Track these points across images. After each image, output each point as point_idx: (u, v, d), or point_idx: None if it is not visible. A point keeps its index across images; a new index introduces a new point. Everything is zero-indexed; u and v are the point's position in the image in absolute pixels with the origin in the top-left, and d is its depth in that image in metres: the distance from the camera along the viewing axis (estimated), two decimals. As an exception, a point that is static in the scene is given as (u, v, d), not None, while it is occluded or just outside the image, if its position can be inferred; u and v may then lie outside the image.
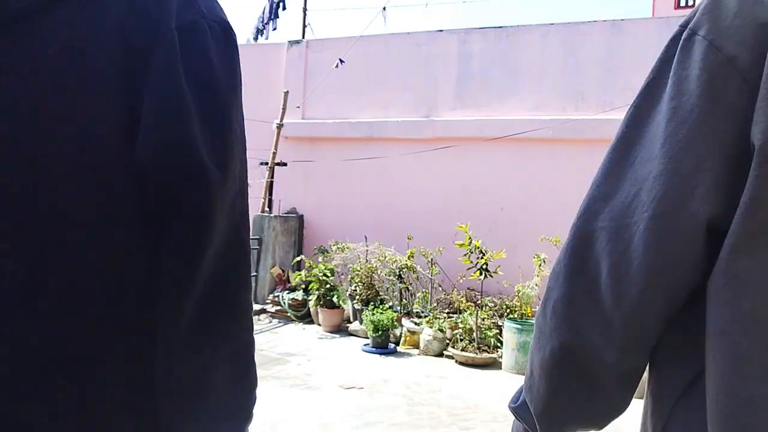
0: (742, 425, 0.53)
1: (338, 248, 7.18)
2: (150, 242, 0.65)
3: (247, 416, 0.72)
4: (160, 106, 0.63)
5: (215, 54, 0.68)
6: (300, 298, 7.08)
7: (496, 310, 6.10)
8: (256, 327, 7.18)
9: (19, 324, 0.58)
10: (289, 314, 7.08)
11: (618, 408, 0.70)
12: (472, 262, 5.69)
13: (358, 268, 6.74)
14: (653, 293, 0.59)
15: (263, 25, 11.07)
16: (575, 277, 0.65)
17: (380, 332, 5.83)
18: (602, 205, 0.64)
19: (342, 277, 7.11)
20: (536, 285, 5.84)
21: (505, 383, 4.73)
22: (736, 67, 0.57)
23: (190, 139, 0.64)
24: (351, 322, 6.72)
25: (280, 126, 7.98)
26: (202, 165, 0.64)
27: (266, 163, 8.05)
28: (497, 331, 5.77)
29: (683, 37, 0.62)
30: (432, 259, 6.68)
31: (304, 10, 10.87)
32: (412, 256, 6.72)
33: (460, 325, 5.79)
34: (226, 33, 0.71)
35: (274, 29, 11.05)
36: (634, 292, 0.59)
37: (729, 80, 0.57)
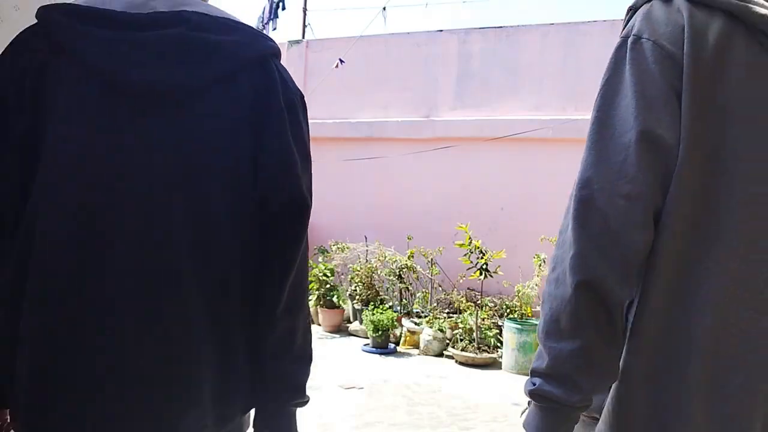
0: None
1: (338, 248, 7.19)
2: (261, 243, 1.00)
3: (311, 360, 1.10)
4: (279, 158, 1.00)
5: (302, 118, 1.06)
6: (300, 298, 7.08)
7: (496, 310, 6.10)
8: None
9: (193, 290, 0.94)
10: (289, 314, 7.09)
11: (622, 348, 0.84)
12: (472, 262, 5.69)
13: (358, 268, 6.74)
14: (645, 234, 0.79)
15: (263, 25, 11.05)
16: (583, 234, 0.81)
17: (380, 332, 5.83)
18: (594, 173, 0.82)
19: (342, 277, 7.11)
20: (536, 285, 5.84)
21: (506, 383, 4.72)
22: (675, 60, 0.81)
23: (297, 179, 1.00)
24: (351, 322, 6.73)
25: (280, 126, 7.99)
26: (303, 197, 1.01)
27: (266, 163, 8.06)
28: (497, 331, 5.77)
29: (630, 42, 0.85)
30: (432, 259, 6.68)
31: (304, 10, 10.87)
32: (412, 256, 6.72)
33: (460, 325, 5.79)
34: (303, 101, 1.08)
35: (274, 29, 11.03)
36: (633, 235, 0.79)
37: (674, 68, 0.81)
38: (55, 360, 0.89)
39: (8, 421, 1.00)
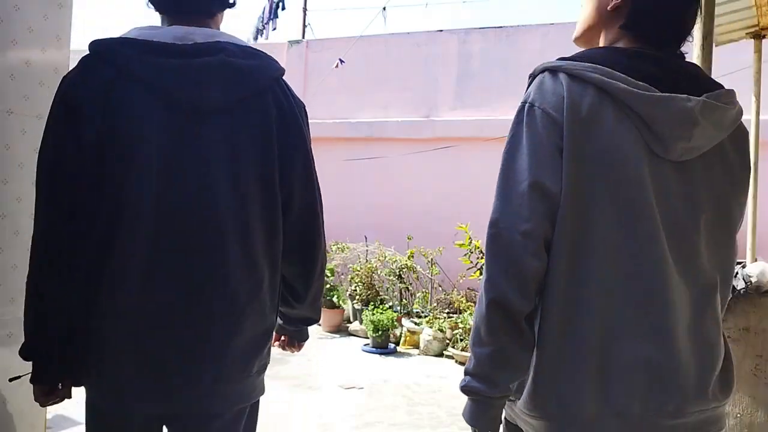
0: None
1: (338, 248, 7.19)
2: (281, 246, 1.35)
3: (320, 312, 1.58)
4: (303, 181, 1.34)
5: (306, 124, 1.38)
6: (300, 298, 7.09)
7: (496, 310, 6.10)
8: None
9: (239, 276, 1.24)
10: (289, 314, 7.09)
11: (533, 343, 1.08)
12: (472, 262, 5.69)
13: (358, 268, 6.74)
14: (538, 261, 1.04)
15: (263, 25, 11.07)
16: (493, 263, 1.06)
17: (380, 332, 5.83)
18: (500, 216, 1.07)
19: (342, 277, 7.11)
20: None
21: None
22: (557, 124, 1.05)
23: (315, 198, 1.40)
24: (351, 322, 6.73)
25: (280, 126, 7.99)
26: (318, 212, 1.43)
27: (266, 163, 8.06)
28: (497, 331, 5.77)
29: (526, 108, 1.10)
30: (432, 259, 6.68)
31: (304, 10, 10.88)
32: (412, 256, 6.72)
33: (460, 325, 5.80)
34: (305, 109, 1.40)
35: (274, 29, 11.05)
36: (529, 262, 1.03)
37: (557, 131, 1.05)
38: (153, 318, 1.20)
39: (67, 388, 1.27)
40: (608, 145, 1.06)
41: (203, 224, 1.21)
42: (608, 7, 1.17)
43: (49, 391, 1.24)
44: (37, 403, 1.28)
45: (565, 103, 1.06)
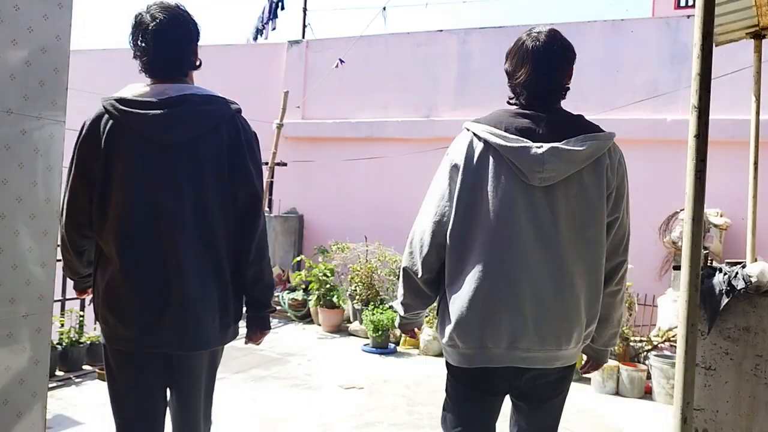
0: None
1: (338, 248, 7.18)
2: (235, 221, 1.89)
3: (274, 288, 2.05)
4: (244, 176, 1.87)
5: (256, 147, 1.93)
6: (300, 298, 7.08)
7: (496, 310, 6.10)
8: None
9: (203, 250, 1.82)
10: (289, 314, 7.08)
11: (431, 297, 1.89)
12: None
13: (358, 268, 6.74)
14: (433, 253, 1.79)
15: (263, 25, 11.06)
16: (407, 250, 1.85)
17: (380, 332, 5.83)
18: (417, 225, 1.85)
19: (342, 277, 7.10)
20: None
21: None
22: (458, 167, 1.77)
23: (255, 187, 1.90)
24: (351, 322, 6.72)
25: (280, 126, 7.98)
26: (258, 195, 1.90)
27: (266, 163, 8.03)
28: (497, 331, 5.77)
29: (445, 155, 1.84)
30: (432, 259, 6.67)
31: (304, 10, 10.87)
32: (412, 256, 6.71)
33: (460, 325, 5.79)
34: (256, 137, 1.94)
35: (274, 29, 11.04)
36: (426, 252, 1.79)
37: (457, 172, 1.76)
38: (145, 289, 1.80)
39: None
40: (489, 177, 1.71)
41: (173, 217, 1.79)
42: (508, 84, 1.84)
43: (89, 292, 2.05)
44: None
45: (465, 152, 1.76)
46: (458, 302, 1.71)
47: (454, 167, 1.76)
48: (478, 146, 1.74)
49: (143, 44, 1.83)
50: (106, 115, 1.80)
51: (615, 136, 1.77)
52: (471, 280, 1.69)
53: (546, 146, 1.66)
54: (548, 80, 1.75)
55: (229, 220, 1.86)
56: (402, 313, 1.94)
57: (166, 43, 1.82)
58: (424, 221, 1.81)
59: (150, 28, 1.80)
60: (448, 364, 1.89)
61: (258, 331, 2.02)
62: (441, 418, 1.96)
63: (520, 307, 1.67)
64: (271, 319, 1.99)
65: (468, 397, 1.85)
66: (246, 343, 2.06)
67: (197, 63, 1.95)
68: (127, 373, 1.90)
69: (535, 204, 1.68)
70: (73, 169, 1.84)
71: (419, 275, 1.81)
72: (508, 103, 1.83)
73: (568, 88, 1.81)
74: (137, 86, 1.84)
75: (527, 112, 1.75)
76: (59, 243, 1.99)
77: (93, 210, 1.83)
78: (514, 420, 1.95)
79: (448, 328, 1.74)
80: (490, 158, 1.71)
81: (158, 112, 1.76)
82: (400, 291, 1.90)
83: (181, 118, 1.78)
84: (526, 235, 1.66)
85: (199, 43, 1.99)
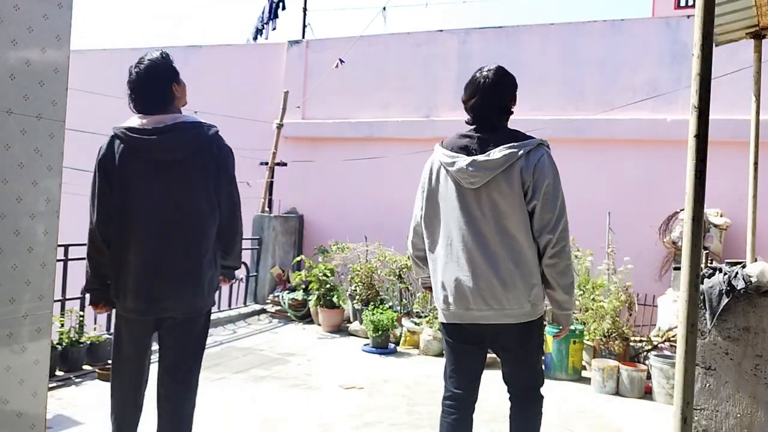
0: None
1: (338, 248, 7.18)
2: (217, 229, 2.54)
3: (241, 258, 2.86)
4: (227, 189, 2.52)
5: (231, 161, 2.56)
6: (300, 298, 7.07)
7: (496, 310, 6.09)
8: (256, 327, 7.13)
9: (192, 240, 2.44)
10: (289, 314, 7.08)
11: (424, 268, 2.64)
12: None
13: (358, 268, 6.74)
14: (415, 238, 2.61)
15: (263, 25, 11.07)
16: (413, 234, 2.62)
17: (380, 332, 5.83)
18: (413, 221, 2.62)
19: (342, 277, 7.10)
20: (536, 285, 5.83)
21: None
22: (425, 180, 2.53)
23: (236, 206, 2.57)
24: (351, 322, 6.72)
25: (280, 126, 7.98)
26: (238, 213, 2.60)
27: (266, 163, 8.04)
28: (497, 331, 5.76)
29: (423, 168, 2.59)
30: (432, 259, 6.67)
31: (304, 10, 10.86)
32: (412, 256, 6.71)
33: (460, 325, 5.79)
34: (231, 152, 2.57)
35: (274, 29, 11.05)
36: (411, 237, 2.65)
37: (423, 184, 2.53)
38: (147, 270, 2.39)
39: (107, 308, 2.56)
40: (441, 184, 2.40)
41: (171, 221, 2.40)
42: None
43: (100, 308, 2.53)
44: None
45: (429, 168, 2.51)
46: (433, 278, 2.45)
47: (423, 180, 2.49)
48: (436, 163, 2.45)
49: (132, 93, 2.46)
50: (117, 140, 2.42)
51: (538, 143, 2.30)
52: (436, 262, 2.40)
53: (469, 159, 2.28)
54: (489, 105, 2.37)
55: (210, 215, 2.46)
56: (415, 276, 2.82)
57: (149, 90, 2.44)
58: (413, 217, 2.58)
59: (133, 80, 2.44)
60: (441, 322, 2.52)
61: (227, 279, 2.75)
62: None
63: (468, 278, 2.28)
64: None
65: (450, 344, 2.50)
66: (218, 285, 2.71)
67: (179, 95, 2.54)
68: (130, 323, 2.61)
69: (468, 202, 2.30)
70: (97, 176, 2.43)
71: (411, 252, 2.65)
72: (466, 122, 2.47)
73: (512, 111, 2.45)
74: (138, 118, 2.45)
75: (469, 133, 2.41)
76: (86, 243, 2.47)
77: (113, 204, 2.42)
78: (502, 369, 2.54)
79: (435, 296, 2.44)
80: (442, 170, 2.40)
81: (156, 137, 2.37)
82: (415, 270, 2.74)
83: (173, 142, 2.39)
84: (466, 226, 2.29)
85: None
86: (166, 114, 2.43)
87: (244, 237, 2.98)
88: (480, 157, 2.26)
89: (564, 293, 2.29)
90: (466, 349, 2.46)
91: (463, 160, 2.28)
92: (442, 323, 2.48)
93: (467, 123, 2.45)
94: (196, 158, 2.42)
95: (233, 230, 2.57)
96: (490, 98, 2.36)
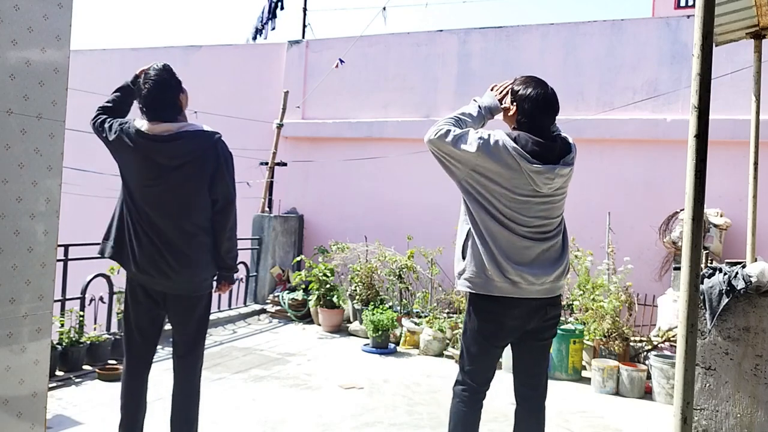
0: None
1: (338, 248, 7.18)
2: (212, 215, 2.79)
3: (237, 258, 3.01)
4: (224, 188, 2.76)
5: (231, 163, 2.80)
6: (300, 298, 7.08)
7: (496, 310, 6.09)
8: (256, 327, 7.13)
9: (181, 226, 2.72)
10: (289, 314, 7.08)
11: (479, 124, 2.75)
12: (472, 262, 5.68)
13: (358, 268, 6.74)
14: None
15: (262, 25, 11.07)
16: (447, 133, 2.69)
17: (380, 332, 5.83)
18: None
19: (342, 277, 7.10)
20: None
21: (506, 383, 4.71)
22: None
23: (232, 195, 2.80)
24: (351, 322, 6.72)
25: (280, 126, 7.98)
26: (232, 198, 2.80)
27: (266, 163, 8.04)
28: (497, 331, 5.76)
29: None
30: (432, 259, 6.68)
31: (304, 10, 10.85)
32: (412, 256, 6.71)
33: (460, 325, 5.79)
34: (231, 154, 2.80)
35: (273, 29, 11.05)
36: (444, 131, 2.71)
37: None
38: (150, 248, 2.68)
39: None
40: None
41: (173, 214, 2.66)
42: (509, 114, 2.66)
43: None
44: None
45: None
46: (491, 258, 2.55)
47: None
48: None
49: (144, 107, 2.70)
50: (129, 138, 2.67)
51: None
52: (476, 249, 2.65)
53: (544, 167, 2.41)
54: (544, 122, 2.54)
55: (207, 213, 2.73)
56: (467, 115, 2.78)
57: (159, 103, 2.68)
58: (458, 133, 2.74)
59: (145, 95, 2.67)
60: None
61: (226, 283, 2.91)
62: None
63: (515, 260, 2.45)
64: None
65: (495, 327, 2.60)
66: (215, 291, 2.90)
67: (183, 105, 2.80)
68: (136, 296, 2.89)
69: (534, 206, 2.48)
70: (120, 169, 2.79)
71: (444, 129, 2.73)
72: (514, 129, 2.62)
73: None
74: (148, 123, 2.67)
75: (534, 138, 2.46)
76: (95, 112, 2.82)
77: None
78: None
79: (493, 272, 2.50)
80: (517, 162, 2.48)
81: (162, 144, 2.64)
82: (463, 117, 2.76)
83: (178, 148, 2.66)
84: (504, 221, 2.53)
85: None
86: (173, 123, 2.67)
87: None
88: (558, 166, 2.39)
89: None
90: (509, 331, 2.54)
91: (537, 165, 2.37)
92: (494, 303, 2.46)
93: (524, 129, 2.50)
94: (198, 162, 2.67)
95: (223, 223, 2.74)
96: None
